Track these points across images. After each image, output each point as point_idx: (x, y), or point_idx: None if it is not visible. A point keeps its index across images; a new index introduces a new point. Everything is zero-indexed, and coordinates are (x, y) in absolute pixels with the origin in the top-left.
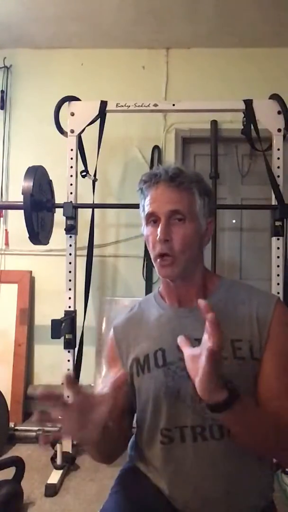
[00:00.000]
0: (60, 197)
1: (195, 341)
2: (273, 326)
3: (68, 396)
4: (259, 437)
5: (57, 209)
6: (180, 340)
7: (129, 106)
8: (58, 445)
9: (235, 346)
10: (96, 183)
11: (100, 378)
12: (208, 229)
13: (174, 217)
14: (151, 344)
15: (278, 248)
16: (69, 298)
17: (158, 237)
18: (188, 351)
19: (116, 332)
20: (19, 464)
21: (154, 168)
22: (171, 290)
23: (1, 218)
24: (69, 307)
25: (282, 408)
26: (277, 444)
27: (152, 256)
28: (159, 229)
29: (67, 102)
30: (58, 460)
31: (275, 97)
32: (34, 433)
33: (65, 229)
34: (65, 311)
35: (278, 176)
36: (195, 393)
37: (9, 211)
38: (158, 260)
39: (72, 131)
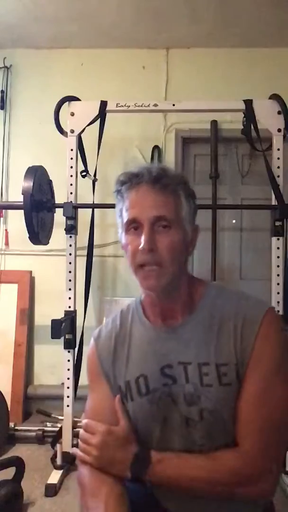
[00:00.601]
0: (60, 197)
1: (179, 365)
2: (258, 343)
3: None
4: (197, 485)
5: (57, 209)
6: None
7: (129, 106)
8: (58, 445)
9: (221, 371)
10: (96, 183)
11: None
12: (193, 238)
13: (159, 224)
14: (132, 370)
15: (278, 248)
16: (69, 298)
17: (141, 246)
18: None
19: (97, 345)
20: (19, 464)
21: (134, 168)
22: (155, 305)
23: (1, 218)
24: (69, 307)
25: (241, 437)
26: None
27: (132, 267)
28: (142, 238)
29: (67, 102)
30: (58, 460)
31: (275, 97)
32: (34, 433)
33: (65, 229)
34: (65, 311)
35: (278, 176)
36: (182, 418)
37: (9, 211)
38: (140, 271)
39: (72, 131)
